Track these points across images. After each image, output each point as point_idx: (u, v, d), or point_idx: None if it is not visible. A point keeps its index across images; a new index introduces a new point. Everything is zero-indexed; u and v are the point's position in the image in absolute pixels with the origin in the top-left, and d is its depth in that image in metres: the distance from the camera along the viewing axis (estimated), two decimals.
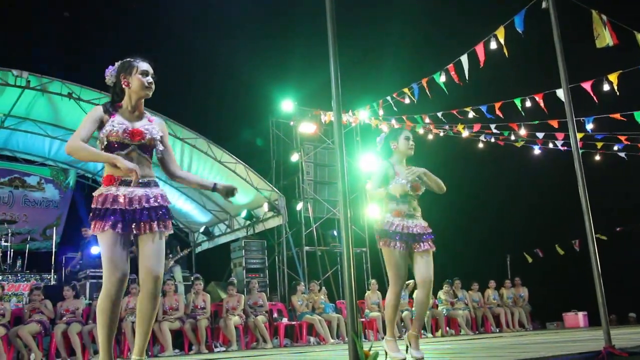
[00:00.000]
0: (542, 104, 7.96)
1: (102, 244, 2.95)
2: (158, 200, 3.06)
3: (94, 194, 3.06)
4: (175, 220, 14.98)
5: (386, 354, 3.89)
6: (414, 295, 4.13)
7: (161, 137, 3.20)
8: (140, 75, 3.11)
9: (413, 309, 10.61)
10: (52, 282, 10.82)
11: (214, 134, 11.98)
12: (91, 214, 3.01)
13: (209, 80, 14.76)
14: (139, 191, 3.02)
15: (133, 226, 2.97)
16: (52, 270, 11.14)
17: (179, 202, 14.44)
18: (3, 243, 10.77)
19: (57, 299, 8.36)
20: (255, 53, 14.91)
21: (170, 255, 10.40)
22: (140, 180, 3.02)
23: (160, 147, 3.18)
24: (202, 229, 14.71)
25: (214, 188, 3.32)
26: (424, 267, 3.96)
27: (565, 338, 5.95)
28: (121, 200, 2.97)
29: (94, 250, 10.92)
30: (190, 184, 3.52)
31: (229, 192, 3.33)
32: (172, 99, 13.66)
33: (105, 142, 3.04)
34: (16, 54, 12.11)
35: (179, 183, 3.41)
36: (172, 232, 3.13)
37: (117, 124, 3.04)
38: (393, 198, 4.02)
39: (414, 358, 3.80)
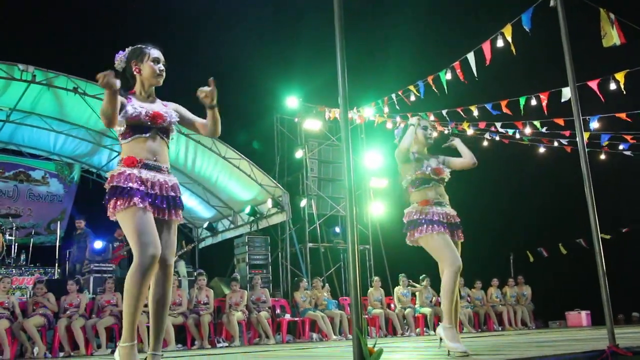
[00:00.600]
0: (545, 103, 7.94)
1: (128, 218, 2.82)
2: (175, 190, 3.06)
3: (110, 173, 2.96)
4: None
5: (440, 340, 3.73)
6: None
7: (179, 118, 3.18)
8: (152, 62, 3.09)
9: (416, 306, 10.68)
10: (56, 276, 10.86)
11: None
12: (109, 192, 2.88)
13: (214, 76, 14.75)
14: (160, 177, 2.99)
15: (152, 209, 2.90)
16: (56, 264, 11.18)
17: (183, 197, 14.26)
18: (7, 237, 10.82)
19: (60, 293, 8.38)
20: (260, 49, 14.90)
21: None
22: (161, 166, 3.01)
23: (173, 133, 3.15)
24: (205, 225, 14.73)
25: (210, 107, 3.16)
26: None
27: (568, 337, 5.94)
28: (148, 183, 2.91)
29: (97, 244, 10.96)
30: (212, 124, 3.24)
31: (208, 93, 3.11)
32: (176, 95, 13.66)
33: (126, 125, 2.98)
34: (22, 48, 12.13)
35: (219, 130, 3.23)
36: (182, 221, 3.10)
37: (138, 107, 3.00)
38: (416, 185, 3.92)
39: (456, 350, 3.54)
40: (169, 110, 3.15)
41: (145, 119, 2.98)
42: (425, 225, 3.75)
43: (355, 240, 2.51)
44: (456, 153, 4.21)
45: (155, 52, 3.14)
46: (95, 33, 13.26)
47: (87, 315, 8.29)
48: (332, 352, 5.64)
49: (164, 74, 3.15)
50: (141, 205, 2.83)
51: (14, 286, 9.51)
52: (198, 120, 3.28)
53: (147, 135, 3.00)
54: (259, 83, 14.27)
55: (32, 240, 11.93)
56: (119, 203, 2.84)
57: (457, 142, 4.18)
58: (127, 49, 3.15)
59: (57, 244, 11.74)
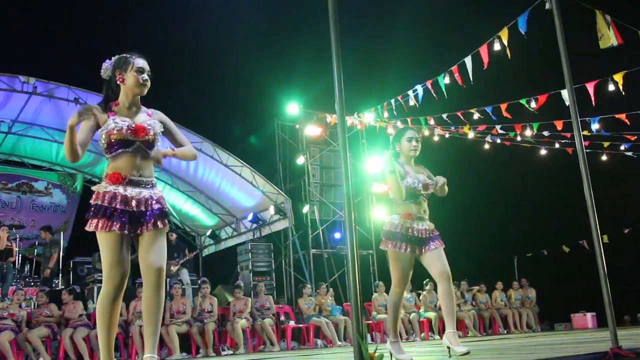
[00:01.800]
0: (545, 105, 7.95)
1: (105, 243, 2.89)
2: (160, 202, 3.06)
3: (94, 188, 2.99)
4: (182, 224, 15.03)
5: (391, 355, 3.85)
6: (438, 293, 4.00)
7: (164, 128, 3.18)
8: (136, 72, 3.07)
9: (421, 310, 10.66)
10: (60, 287, 10.86)
11: (219, 137, 12.02)
12: (92, 210, 2.92)
13: (214, 84, 14.81)
14: (146, 193, 3.00)
15: (135, 227, 2.93)
16: (60, 275, 11.19)
17: (186, 205, 14.48)
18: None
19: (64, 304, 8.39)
20: (261, 56, 14.96)
21: (177, 259, 10.41)
22: (145, 180, 3.02)
23: (158, 144, 3.14)
24: (208, 233, 14.73)
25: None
26: (438, 262, 3.89)
27: (573, 339, 5.93)
28: (132, 202, 2.93)
29: None
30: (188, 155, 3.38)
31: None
32: (177, 103, 13.71)
33: (107, 141, 2.98)
34: (23, 60, 12.19)
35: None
36: (168, 229, 3.09)
37: (120, 121, 2.99)
38: (405, 197, 3.94)
39: (459, 354, 3.61)
40: (153, 121, 3.12)
41: (127, 134, 2.97)
42: (397, 242, 3.90)
43: (354, 246, 2.52)
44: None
45: (139, 62, 3.11)
46: (95, 44, 13.31)
47: (91, 325, 8.29)
48: (336, 358, 5.63)
49: (148, 83, 3.12)
50: (120, 231, 2.88)
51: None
52: (179, 140, 3.30)
53: (131, 149, 3.00)
54: (259, 90, 14.33)
55: (35, 251, 11.95)
56: (100, 224, 2.89)
57: (441, 184, 4.10)
58: (113, 58, 3.14)
59: (61, 254, 11.74)
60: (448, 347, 3.80)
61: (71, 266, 11.49)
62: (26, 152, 13.04)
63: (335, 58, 2.64)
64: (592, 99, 7.24)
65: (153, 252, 2.96)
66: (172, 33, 14.39)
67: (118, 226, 2.87)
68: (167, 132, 3.23)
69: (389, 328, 4.00)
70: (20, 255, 11.04)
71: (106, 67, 3.13)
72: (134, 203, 2.93)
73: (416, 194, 3.99)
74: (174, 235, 10.88)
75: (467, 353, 3.56)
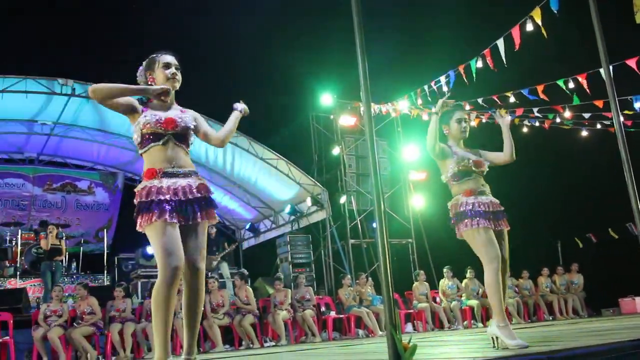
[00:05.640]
0: (585, 84, 7.71)
1: (153, 234, 2.90)
2: (201, 191, 3.06)
3: (135, 189, 3.04)
4: (222, 218, 15.21)
5: (494, 340, 3.58)
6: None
7: (195, 126, 3.20)
8: (163, 68, 3.12)
9: (463, 298, 10.54)
10: (106, 283, 11.16)
11: (254, 131, 12.08)
12: (136, 208, 2.97)
13: (248, 77, 14.87)
14: (182, 182, 3.01)
15: (177, 217, 2.93)
16: (105, 271, 11.48)
17: (224, 199, 14.65)
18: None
19: (110, 299, 8.60)
20: (293, 48, 14.93)
21: (217, 253, 10.56)
22: (181, 171, 3.04)
23: (192, 137, 3.20)
24: (247, 226, 14.89)
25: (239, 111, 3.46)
26: (501, 248, 3.71)
27: (620, 325, 5.77)
28: (165, 191, 2.94)
29: (149, 250, 11.21)
30: (231, 133, 3.45)
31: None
32: (211, 98, 13.81)
33: (140, 135, 3.05)
34: (60, 63, 12.47)
35: (226, 141, 3.41)
36: (217, 221, 3.12)
37: (150, 115, 3.04)
38: (457, 177, 3.82)
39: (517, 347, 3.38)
40: (186, 115, 3.16)
41: (157, 126, 3.02)
42: (470, 219, 3.67)
43: (384, 237, 2.50)
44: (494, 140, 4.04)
45: (166, 58, 3.16)
46: (130, 42, 13.53)
47: (137, 319, 8.48)
48: (376, 347, 5.63)
49: (178, 77, 3.16)
50: (161, 219, 2.88)
51: (66, 294, 9.81)
52: (210, 132, 3.34)
53: (161, 142, 3.03)
54: (293, 83, 14.32)
55: (81, 249, 12.31)
56: (144, 219, 2.92)
57: (505, 125, 3.96)
58: (144, 62, 3.21)
59: (105, 251, 12.05)
60: (493, 340, 3.62)
61: (116, 262, 11.80)
62: (68, 152, 13.40)
63: (359, 47, 2.61)
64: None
65: (195, 252, 3.00)
66: (206, 28, 14.49)
67: (157, 215, 2.87)
68: (199, 130, 3.25)
69: (495, 311, 3.59)
70: (67, 253, 11.37)
71: (140, 72, 3.22)
72: (170, 192, 2.95)
73: (469, 172, 3.82)
74: (214, 230, 11.04)
75: (526, 347, 3.30)
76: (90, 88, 3.00)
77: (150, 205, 2.90)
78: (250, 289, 9.28)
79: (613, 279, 12.14)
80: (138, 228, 2.97)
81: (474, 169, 3.82)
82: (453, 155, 3.86)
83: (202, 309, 3.07)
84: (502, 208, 3.82)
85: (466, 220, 3.67)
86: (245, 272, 9.66)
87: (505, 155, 3.96)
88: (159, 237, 2.86)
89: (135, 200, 3.01)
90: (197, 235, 3.01)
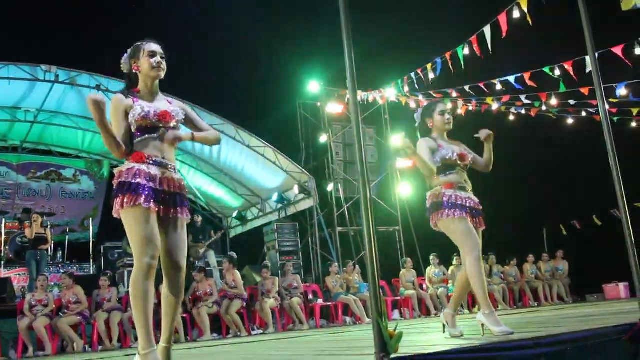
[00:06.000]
0: (572, 72, 7.73)
1: (132, 219, 2.82)
2: (182, 188, 3.04)
3: (118, 170, 2.95)
4: (208, 206, 15.16)
5: (483, 327, 3.61)
6: (461, 274, 3.84)
7: (185, 115, 3.17)
8: (148, 56, 3.06)
9: (449, 285, 10.61)
10: (92, 272, 11.09)
11: (241, 118, 12.03)
12: (117, 189, 2.87)
13: (234, 65, 14.78)
14: (168, 174, 2.98)
15: (160, 207, 2.89)
16: (91, 260, 11.41)
17: (211, 187, 14.60)
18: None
19: (96, 288, 8.55)
20: (280, 35, 14.83)
21: (203, 241, 10.52)
22: (169, 164, 3.01)
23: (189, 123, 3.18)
24: (234, 214, 14.86)
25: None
26: None
27: (603, 310, 5.83)
28: (154, 178, 2.89)
29: None
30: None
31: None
32: (198, 86, 13.73)
33: (136, 127, 2.97)
34: (44, 49, 12.30)
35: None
36: (190, 218, 3.09)
37: (146, 107, 2.98)
38: (441, 171, 3.80)
39: (451, 336, 3.63)
40: (175, 108, 3.13)
41: (154, 119, 2.98)
42: (447, 209, 3.67)
43: (370, 225, 2.49)
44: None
45: (151, 46, 3.09)
46: (115, 29, 13.36)
47: (123, 308, 8.45)
48: (363, 335, 5.65)
49: (163, 66, 3.09)
50: (146, 205, 2.81)
51: (52, 283, 9.75)
52: (200, 127, 3.26)
53: (156, 135, 3.00)
54: (279, 70, 14.26)
55: (67, 237, 12.21)
56: (125, 200, 2.81)
57: (488, 140, 3.92)
58: (129, 50, 3.14)
59: (91, 240, 11.98)
60: (444, 325, 3.79)
61: (102, 251, 11.73)
62: (53, 140, 13.26)
63: (345, 34, 2.59)
64: (627, 62, 6.95)
65: (176, 248, 2.97)
66: (192, 15, 14.35)
67: (143, 199, 2.80)
68: (187, 120, 3.22)
69: (480, 300, 3.62)
70: (53, 242, 11.27)
71: (124, 60, 3.14)
72: (157, 180, 2.90)
73: (452, 165, 3.82)
74: (200, 218, 10.99)
75: (461, 335, 3.51)
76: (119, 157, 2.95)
77: (137, 187, 2.82)
78: (239, 273, 9.25)
79: (597, 265, 12.28)
80: (115, 211, 2.88)
81: (458, 162, 3.82)
82: (438, 149, 3.84)
83: (181, 302, 3.07)
84: (480, 207, 3.83)
85: (442, 210, 3.68)
86: (234, 255, 9.63)
87: (483, 163, 3.98)
88: (140, 223, 2.80)
89: (115, 181, 2.91)
90: (176, 229, 2.98)
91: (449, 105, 4.10)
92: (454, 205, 3.67)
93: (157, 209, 2.88)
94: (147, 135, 2.98)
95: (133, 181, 2.84)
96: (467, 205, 3.72)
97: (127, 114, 2.96)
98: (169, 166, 3.02)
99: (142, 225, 2.79)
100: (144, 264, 2.78)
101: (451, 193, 3.73)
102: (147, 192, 2.83)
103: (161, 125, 3.00)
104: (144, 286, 2.78)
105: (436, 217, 3.74)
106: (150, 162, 2.94)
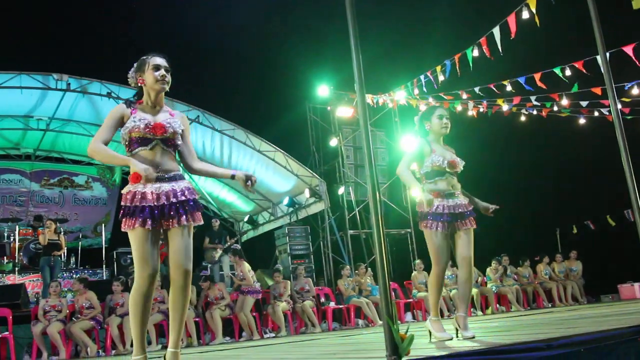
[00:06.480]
0: (583, 72, 7.67)
1: (132, 241, 2.98)
2: (185, 194, 3.06)
3: (122, 191, 3.09)
4: (220, 211, 15.21)
5: (430, 333, 3.84)
6: (458, 276, 4.07)
7: (182, 130, 3.20)
8: (153, 69, 3.10)
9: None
10: (105, 277, 11.16)
11: (251, 123, 12.07)
12: (121, 212, 3.04)
13: (244, 71, 14.84)
14: (166, 186, 3.03)
15: (162, 221, 3.00)
16: (104, 266, 11.48)
17: (222, 192, 14.64)
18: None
19: (109, 293, 8.59)
20: (289, 40, 14.88)
21: (220, 245, 10.62)
22: (166, 175, 3.05)
23: (179, 142, 3.17)
24: (246, 218, 14.89)
25: (233, 177, 3.32)
26: (464, 245, 3.91)
27: (618, 311, 5.78)
28: (149, 197, 2.98)
29: None
30: (209, 175, 3.51)
31: (248, 179, 3.31)
32: (208, 92, 13.80)
33: (128, 139, 3.05)
34: (55, 58, 12.43)
35: (197, 175, 3.44)
36: (202, 223, 3.12)
37: (139, 119, 3.05)
38: (430, 176, 3.93)
39: (464, 338, 3.69)
40: (174, 119, 3.16)
41: (145, 131, 3.03)
42: (429, 221, 3.88)
43: (380, 228, 2.49)
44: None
45: (156, 60, 3.14)
46: (125, 37, 13.47)
47: None
48: (375, 337, 5.63)
49: (167, 79, 3.13)
50: (142, 227, 2.95)
51: (65, 289, 9.81)
52: (187, 146, 3.27)
53: (149, 147, 3.05)
54: (289, 74, 14.29)
55: (80, 243, 12.30)
56: (127, 224, 2.98)
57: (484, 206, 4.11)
58: (135, 64, 3.20)
59: (104, 245, 12.05)
60: (457, 329, 3.87)
61: (115, 257, 11.80)
62: (65, 147, 13.37)
63: (353, 38, 2.59)
64: (636, 62, 6.89)
65: (181, 253, 3.02)
66: (202, 20, 14.43)
67: (140, 222, 2.94)
68: (183, 138, 3.25)
69: (430, 306, 3.99)
70: (66, 248, 11.35)
71: (130, 74, 3.20)
72: (152, 197, 2.98)
73: (442, 172, 3.94)
74: (218, 222, 11.09)
75: (473, 338, 3.62)
76: (88, 150, 3.08)
77: (134, 211, 2.97)
78: (246, 264, 9.18)
79: (612, 265, 12.17)
80: (122, 229, 3.06)
81: (447, 169, 3.93)
82: (431, 152, 3.96)
83: (188, 306, 3.15)
84: (471, 208, 3.96)
85: (426, 221, 3.91)
86: (238, 246, 9.64)
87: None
88: (137, 244, 2.97)
89: (122, 203, 3.06)
90: (182, 237, 3.04)
91: (447, 111, 4.15)
92: (437, 217, 3.88)
93: (156, 228, 3.00)
94: (140, 148, 3.05)
95: (131, 205, 2.98)
96: (455, 212, 3.89)
97: (122, 122, 3.08)
98: (166, 178, 3.06)
99: (140, 246, 2.97)
100: (140, 282, 2.98)
101: (437, 203, 3.89)
102: (142, 216, 2.95)
103: (151, 137, 3.05)
104: (141, 301, 2.98)
105: (421, 225, 3.99)
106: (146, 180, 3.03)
